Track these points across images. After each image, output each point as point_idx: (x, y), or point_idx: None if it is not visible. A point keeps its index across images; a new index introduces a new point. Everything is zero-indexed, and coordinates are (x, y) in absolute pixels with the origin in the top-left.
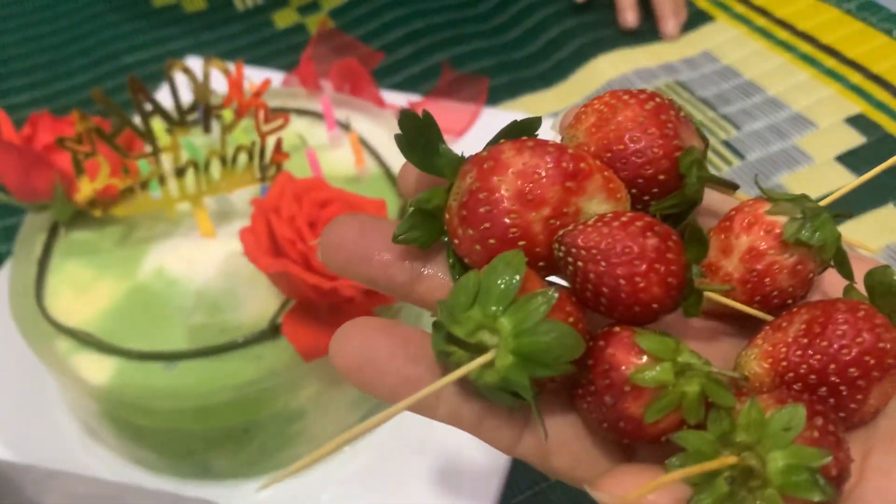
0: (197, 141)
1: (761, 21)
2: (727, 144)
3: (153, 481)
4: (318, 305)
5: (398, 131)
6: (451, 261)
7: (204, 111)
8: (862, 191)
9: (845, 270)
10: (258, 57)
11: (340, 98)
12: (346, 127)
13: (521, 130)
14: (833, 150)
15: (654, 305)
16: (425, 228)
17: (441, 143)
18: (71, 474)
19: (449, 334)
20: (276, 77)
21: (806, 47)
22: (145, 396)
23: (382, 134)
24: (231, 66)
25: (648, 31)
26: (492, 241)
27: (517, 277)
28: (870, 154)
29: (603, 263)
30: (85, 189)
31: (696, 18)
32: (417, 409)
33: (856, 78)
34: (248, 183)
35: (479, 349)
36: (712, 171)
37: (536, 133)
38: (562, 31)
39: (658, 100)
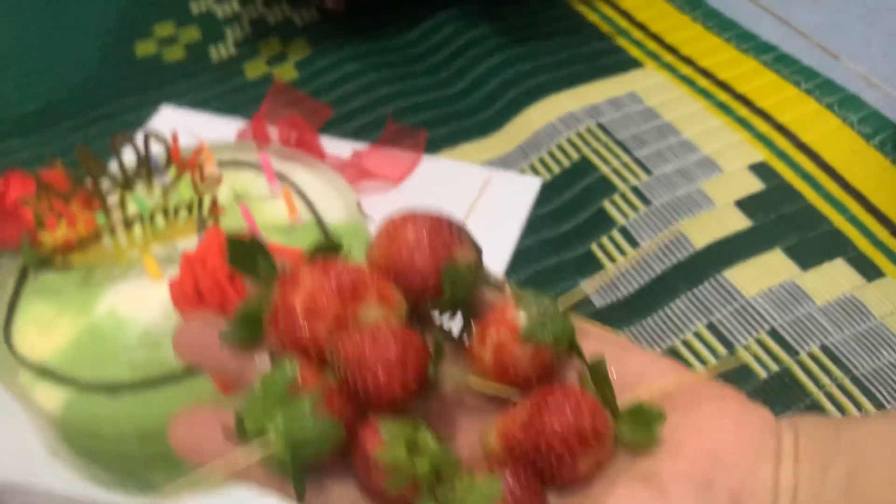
0: (146, 197)
1: (686, 70)
2: (636, 190)
3: (107, 497)
4: None
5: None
6: (270, 352)
7: (147, 174)
8: (751, 236)
9: (581, 358)
10: (229, 105)
11: (283, 151)
12: (283, 179)
13: (326, 250)
14: (733, 195)
15: (397, 400)
16: (247, 330)
17: (263, 261)
18: (32, 488)
19: (242, 426)
20: (240, 125)
21: (723, 96)
22: (91, 424)
23: (318, 185)
24: (169, 137)
25: (575, 74)
26: (290, 343)
27: (288, 381)
28: (765, 201)
29: (355, 369)
30: (46, 240)
31: (626, 64)
32: (236, 479)
33: (763, 127)
34: (189, 233)
35: (263, 436)
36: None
37: (341, 251)
38: (499, 84)
39: (436, 219)
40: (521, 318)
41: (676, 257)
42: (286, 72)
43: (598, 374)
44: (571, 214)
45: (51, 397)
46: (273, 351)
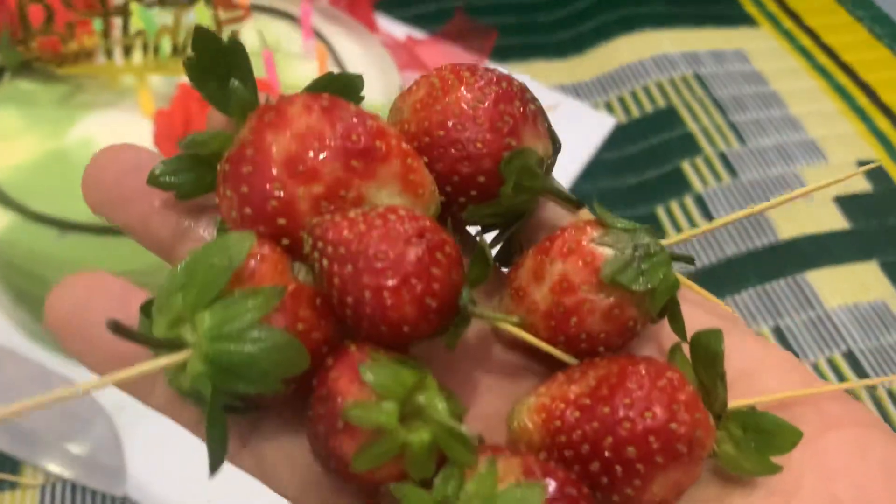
0: (156, 18)
1: (806, 41)
2: (723, 158)
3: (33, 351)
4: None
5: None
6: (218, 220)
7: None
8: (846, 240)
9: (677, 326)
10: None
11: (329, 10)
12: (321, 38)
13: (337, 87)
14: (834, 190)
15: (405, 328)
16: (193, 175)
17: (236, 78)
18: None
19: (151, 323)
20: None
21: (843, 79)
22: (30, 259)
23: (360, 56)
24: None
25: (681, 14)
26: (248, 210)
27: (232, 266)
28: (870, 205)
29: (349, 267)
30: (30, 41)
31: (738, 19)
32: (130, 389)
33: (883, 123)
34: None
35: (174, 346)
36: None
37: (362, 97)
38: (591, 3)
39: (505, 85)
40: (603, 250)
41: (755, 243)
42: None
43: (704, 354)
44: (642, 167)
45: None
46: (221, 214)
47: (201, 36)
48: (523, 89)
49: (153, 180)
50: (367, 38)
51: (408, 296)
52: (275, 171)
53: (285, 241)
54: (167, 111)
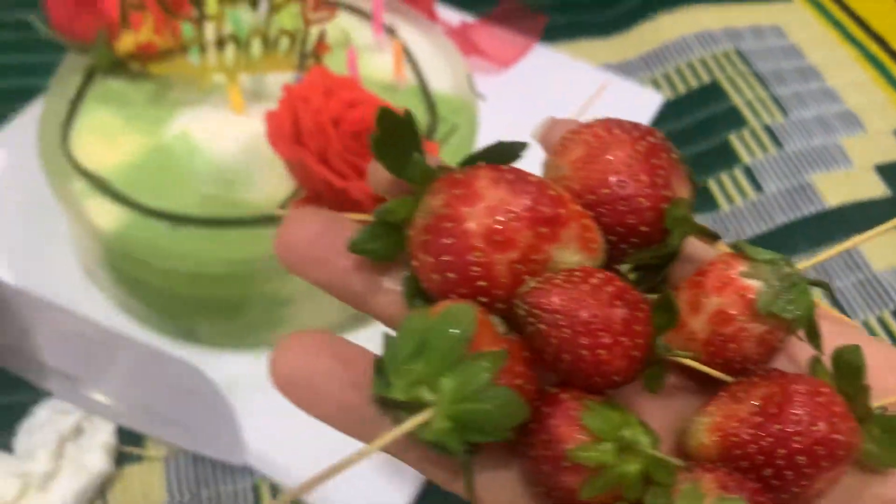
0: (245, 17)
1: (838, 13)
2: (769, 130)
3: (140, 333)
4: (326, 201)
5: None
6: (407, 274)
7: None
8: (888, 206)
9: (816, 343)
10: None
11: (394, 3)
12: (392, 32)
13: (503, 154)
14: (873, 158)
15: (616, 378)
16: (386, 240)
17: (416, 151)
18: (64, 310)
19: (389, 385)
20: None
21: (874, 48)
22: (146, 252)
23: (427, 48)
24: None
25: None
26: (451, 274)
27: (466, 336)
28: None
29: (567, 331)
30: (126, 40)
31: None
32: (387, 449)
33: None
34: (286, 68)
35: (417, 407)
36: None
37: (519, 156)
38: None
39: (651, 139)
40: (753, 282)
41: (802, 212)
42: None
43: (847, 368)
44: (691, 141)
45: (105, 215)
46: (418, 275)
47: (384, 115)
48: (665, 139)
49: (353, 249)
50: (431, 28)
51: (619, 351)
52: (475, 242)
53: (482, 299)
54: (276, 112)
